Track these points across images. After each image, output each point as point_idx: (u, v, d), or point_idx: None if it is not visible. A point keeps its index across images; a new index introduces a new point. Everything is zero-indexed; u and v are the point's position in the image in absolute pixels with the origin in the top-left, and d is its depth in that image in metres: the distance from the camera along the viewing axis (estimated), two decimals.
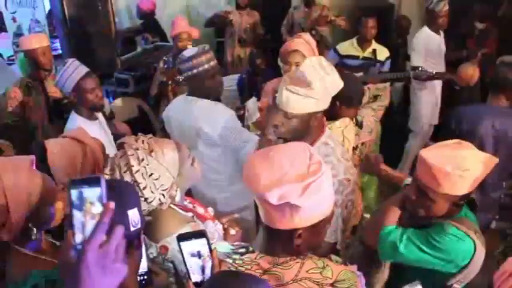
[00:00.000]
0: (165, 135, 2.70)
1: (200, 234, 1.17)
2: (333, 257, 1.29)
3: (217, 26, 5.32)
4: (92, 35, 3.79)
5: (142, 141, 1.53)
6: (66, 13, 3.60)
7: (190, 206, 1.70)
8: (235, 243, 1.38)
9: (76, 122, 2.46)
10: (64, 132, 2.43)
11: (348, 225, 1.90)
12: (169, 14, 5.65)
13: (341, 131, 2.34)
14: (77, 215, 0.80)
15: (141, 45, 5.17)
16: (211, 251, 1.15)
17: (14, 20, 4.87)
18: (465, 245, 1.54)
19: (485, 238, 1.60)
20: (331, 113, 2.41)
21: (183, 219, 1.57)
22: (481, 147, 2.51)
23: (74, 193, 0.81)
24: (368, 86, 3.58)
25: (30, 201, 1.36)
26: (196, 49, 2.43)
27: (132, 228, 1.05)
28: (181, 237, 1.16)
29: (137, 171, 1.47)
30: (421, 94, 4.20)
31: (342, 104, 2.36)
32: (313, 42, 2.81)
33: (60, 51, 4.12)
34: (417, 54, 4.01)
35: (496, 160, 1.55)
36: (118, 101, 4.64)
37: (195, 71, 2.40)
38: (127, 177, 1.47)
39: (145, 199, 1.49)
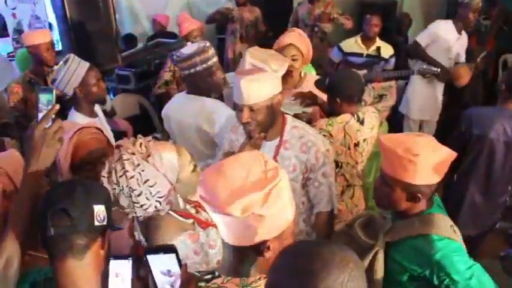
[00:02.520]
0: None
1: (170, 249, 1.11)
2: None
3: (219, 22, 5.30)
4: (92, 31, 3.75)
5: (140, 144, 1.47)
6: (67, 9, 3.58)
7: (193, 211, 1.64)
8: (202, 270, 1.30)
9: (76, 119, 2.43)
10: None
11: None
12: (171, 11, 5.64)
13: (342, 126, 2.31)
14: None
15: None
16: (181, 266, 1.09)
17: (14, 16, 4.85)
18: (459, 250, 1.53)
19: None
20: (332, 110, 2.40)
21: (180, 227, 1.52)
22: (492, 151, 2.47)
23: None
24: (373, 86, 3.54)
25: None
26: (196, 46, 2.38)
27: (96, 223, 1.11)
28: (149, 250, 1.10)
29: (132, 177, 1.41)
30: (417, 83, 4.12)
31: (343, 101, 2.33)
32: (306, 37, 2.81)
33: (60, 48, 4.10)
34: (425, 35, 3.86)
35: (454, 154, 1.53)
36: (119, 98, 4.63)
37: (196, 68, 2.35)
38: (122, 182, 1.43)
39: (141, 206, 1.44)
